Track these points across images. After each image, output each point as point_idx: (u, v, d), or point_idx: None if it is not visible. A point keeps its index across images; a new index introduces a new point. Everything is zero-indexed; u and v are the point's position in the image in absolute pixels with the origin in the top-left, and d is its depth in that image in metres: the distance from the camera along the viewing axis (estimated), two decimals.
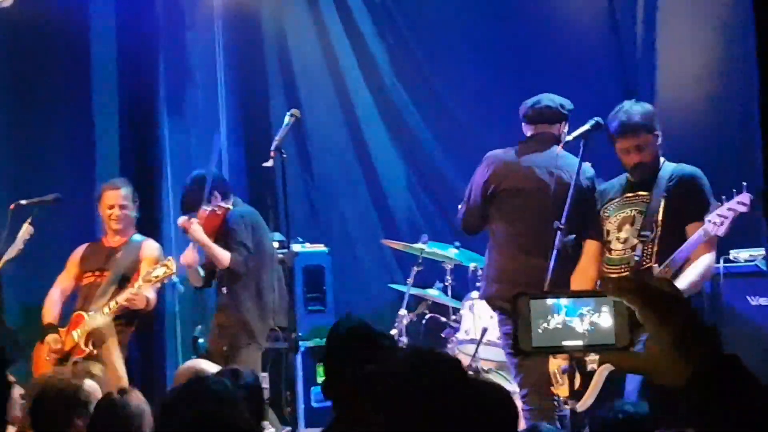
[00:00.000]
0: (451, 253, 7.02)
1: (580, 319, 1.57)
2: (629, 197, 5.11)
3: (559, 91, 6.01)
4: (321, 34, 8.46)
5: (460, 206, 5.84)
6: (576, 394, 4.76)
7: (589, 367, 4.71)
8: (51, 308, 6.59)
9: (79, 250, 6.74)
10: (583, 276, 5.12)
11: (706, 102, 6.98)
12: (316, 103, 8.31)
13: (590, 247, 5.20)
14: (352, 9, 8.42)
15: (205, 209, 6.39)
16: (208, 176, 6.48)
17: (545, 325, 1.58)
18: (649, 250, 4.95)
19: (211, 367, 4.73)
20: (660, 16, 7.14)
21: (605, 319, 1.58)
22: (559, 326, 1.58)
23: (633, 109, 5.02)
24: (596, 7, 7.59)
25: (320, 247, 7.79)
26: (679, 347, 1.45)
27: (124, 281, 6.43)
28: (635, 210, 5.05)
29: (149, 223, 7.36)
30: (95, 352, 6.30)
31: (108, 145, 7.79)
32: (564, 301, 1.58)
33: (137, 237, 6.70)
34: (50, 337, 6.41)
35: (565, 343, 1.58)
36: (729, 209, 4.61)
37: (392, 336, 3.14)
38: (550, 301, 1.59)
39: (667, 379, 1.47)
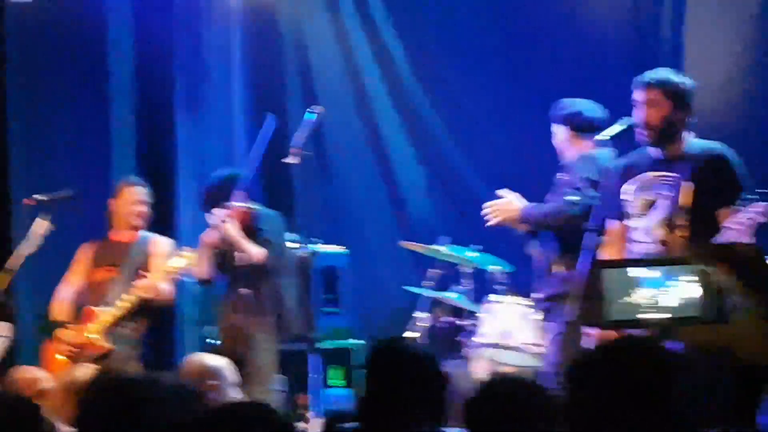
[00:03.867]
0: (470, 256, 6.92)
1: (666, 291, 1.46)
2: (652, 177, 4.85)
3: (580, 91, 5.97)
4: (339, 32, 8.35)
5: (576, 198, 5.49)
6: None
7: None
8: (60, 305, 6.55)
9: (87, 248, 6.71)
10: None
11: (733, 105, 6.89)
12: (333, 101, 8.17)
13: (611, 228, 4.90)
14: (371, 6, 8.30)
15: (236, 204, 6.37)
16: (237, 176, 6.52)
17: (627, 298, 1.47)
18: (674, 240, 4.45)
19: (215, 361, 4.66)
20: (688, 16, 7.06)
21: (691, 291, 1.46)
22: (644, 300, 1.47)
23: (659, 70, 4.97)
24: (619, 4, 7.51)
25: (337, 248, 7.70)
26: None
27: (135, 275, 6.38)
28: (659, 193, 4.78)
29: (162, 219, 7.30)
30: (112, 347, 6.25)
31: (123, 142, 7.80)
32: (648, 274, 1.47)
33: (147, 233, 6.69)
34: (63, 332, 6.34)
35: (646, 316, 1.47)
36: (748, 218, 4.43)
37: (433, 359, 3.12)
38: (632, 274, 1.47)
39: (755, 354, 1.36)
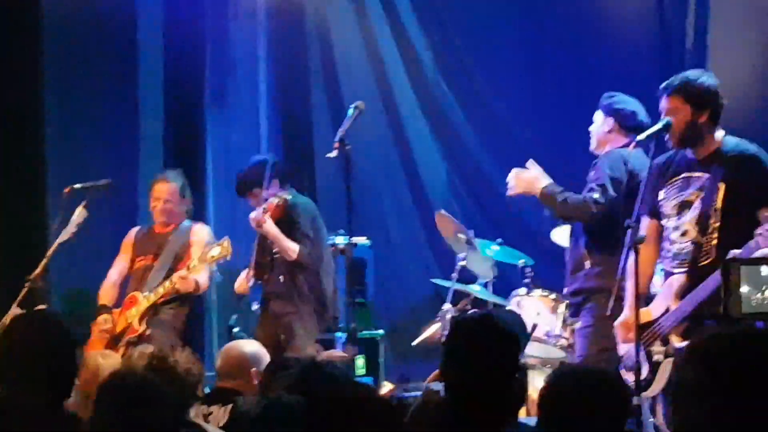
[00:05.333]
0: (493, 249, 7.04)
1: None
2: (687, 177, 4.84)
3: (605, 89, 5.99)
4: (364, 28, 8.47)
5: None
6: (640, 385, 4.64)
7: (655, 357, 4.65)
8: (107, 290, 6.69)
9: (132, 234, 6.83)
10: (642, 258, 4.76)
11: (758, 102, 6.97)
12: (357, 97, 8.16)
13: (645, 225, 4.92)
14: (396, 2, 8.43)
15: (272, 201, 6.43)
16: (268, 162, 6.57)
17: (759, 294, 1.62)
18: (708, 242, 4.63)
19: (252, 347, 4.77)
20: (712, 18, 7.15)
21: None
22: None
23: (680, 75, 4.93)
24: (645, 5, 7.61)
25: (363, 240, 7.81)
26: None
27: (175, 263, 6.51)
28: (694, 194, 4.79)
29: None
30: (148, 332, 6.36)
31: (153, 135, 7.90)
32: None
33: (187, 222, 6.77)
34: (100, 318, 6.51)
35: None
36: None
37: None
38: (765, 273, 1.62)
39: None
